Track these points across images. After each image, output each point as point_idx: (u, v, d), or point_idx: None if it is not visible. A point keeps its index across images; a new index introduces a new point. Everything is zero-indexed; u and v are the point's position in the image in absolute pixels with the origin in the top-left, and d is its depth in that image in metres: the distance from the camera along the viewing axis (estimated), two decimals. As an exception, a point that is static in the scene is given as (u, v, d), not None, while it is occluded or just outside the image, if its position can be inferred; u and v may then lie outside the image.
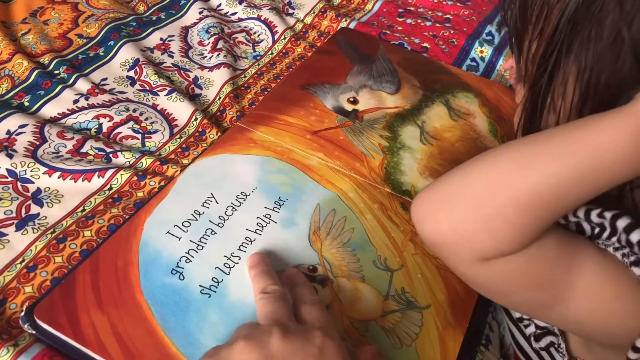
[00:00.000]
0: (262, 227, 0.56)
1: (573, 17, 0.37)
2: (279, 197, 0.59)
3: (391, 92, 0.75)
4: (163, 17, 0.84)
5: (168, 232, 0.53)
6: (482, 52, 0.84)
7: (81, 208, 0.56)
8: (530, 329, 0.52)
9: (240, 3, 0.87)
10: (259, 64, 0.79)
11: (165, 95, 0.69)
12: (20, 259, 0.50)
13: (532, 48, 0.41)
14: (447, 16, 0.91)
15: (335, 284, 0.52)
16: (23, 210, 0.54)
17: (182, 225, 0.54)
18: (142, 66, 0.73)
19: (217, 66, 0.75)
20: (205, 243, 0.53)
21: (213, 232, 0.54)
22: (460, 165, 0.40)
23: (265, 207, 0.57)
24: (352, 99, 0.73)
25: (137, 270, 0.50)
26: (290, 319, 0.43)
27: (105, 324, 0.46)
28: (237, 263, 0.52)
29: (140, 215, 0.54)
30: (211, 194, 0.57)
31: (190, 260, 0.52)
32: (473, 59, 0.84)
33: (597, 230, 0.39)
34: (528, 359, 0.54)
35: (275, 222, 0.56)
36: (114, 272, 0.50)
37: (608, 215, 0.38)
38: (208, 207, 0.56)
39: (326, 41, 0.84)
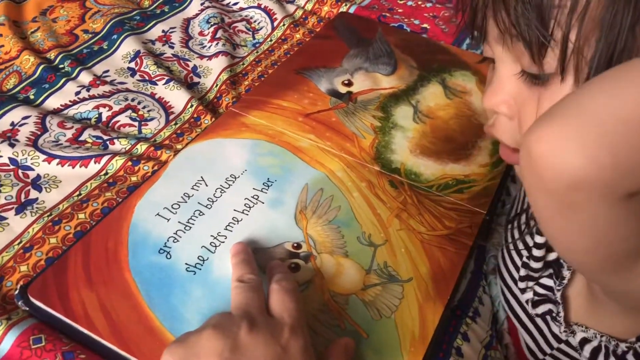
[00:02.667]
0: (250, 207, 0.57)
1: None
2: (268, 179, 0.60)
3: (387, 73, 0.76)
4: (167, 10, 0.86)
5: (157, 214, 0.55)
6: (482, 30, 0.84)
7: (77, 192, 0.58)
8: (528, 295, 0.52)
9: (241, -7, 0.89)
10: (257, 52, 0.80)
11: (164, 84, 0.72)
12: (18, 241, 0.53)
13: (572, 35, 0.34)
14: (448, -3, 0.91)
15: (318, 260, 0.53)
16: (23, 196, 0.57)
17: (172, 207, 0.56)
18: (143, 57, 0.75)
19: (216, 55, 0.77)
20: (193, 224, 0.55)
21: (201, 214, 0.56)
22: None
23: (253, 189, 0.59)
24: (346, 82, 0.74)
25: (127, 250, 0.52)
26: (260, 312, 0.44)
27: (94, 301, 0.48)
28: (223, 242, 0.54)
29: (132, 198, 0.57)
30: (201, 177, 0.59)
31: (178, 240, 0.53)
32: (474, 38, 0.83)
33: None
34: (523, 326, 0.54)
35: (263, 203, 0.58)
36: (104, 252, 0.52)
37: None
38: (197, 190, 0.58)
39: (324, 26, 0.84)
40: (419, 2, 0.89)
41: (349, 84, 0.73)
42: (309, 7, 0.89)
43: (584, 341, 0.48)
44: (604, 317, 0.47)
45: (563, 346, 0.50)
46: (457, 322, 0.53)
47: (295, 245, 0.54)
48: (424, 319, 0.50)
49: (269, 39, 0.83)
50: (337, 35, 0.82)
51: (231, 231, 0.55)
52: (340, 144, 0.65)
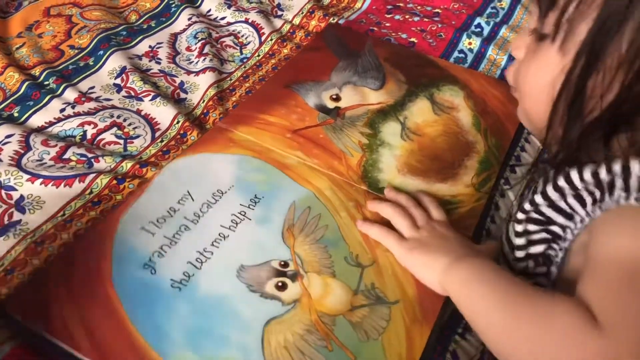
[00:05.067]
0: (237, 223, 0.57)
1: None
2: (255, 195, 0.59)
3: (375, 87, 0.75)
4: (153, 25, 0.85)
5: (142, 228, 0.55)
6: (470, 43, 0.84)
7: (61, 213, 0.57)
8: None
9: (229, 7, 0.88)
10: (245, 67, 0.80)
11: (150, 100, 0.71)
12: (0, 263, 0.52)
13: (570, 7, 0.40)
14: (437, 10, 0.91)
15: (305, 279, 0.53)
16: (6, 218, 0.56)
17: (157, 221, 0.56)
18: (129, 73, 0.74)
19: (203, 70, 0.77)
20: (179, 239, 0.55)
21: (187, 228, 0.55)
22: None
23: (240, 205, 0.58)
24: (334, 96, 0.73)
25: (110, 265, 0.52)
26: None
27: (75, 316, 0.47)
28: (209, 258, 0.53)
29: (117, 212, 0.56)
30: (187, 191, 0.59)
31: (163, 255, 0.53)
32: (461, 51, 0.83)
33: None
34: None
35: (250, 219, 0.57)
36: (87, 267, 0.51)
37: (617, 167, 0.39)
38: (184, 205, 0.58)
39: (313, 37, 0.84)
40: (407, 17, 0.89)
41: (337, 98, 0.73)
42: (296, 21, 0.89)
43: None
44: None
45: None
46: (444, 340, 0.52)
47: (282, 263, 0.54)
48: (411, 341, 0.49)
49: (256, 54, 0.82)
50: (326, 46, 0.81)
51: (217, 247, 0.54)
52: (327, 161, 0.64)
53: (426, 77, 0.77)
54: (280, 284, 0.52)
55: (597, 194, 0.41)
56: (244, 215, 0.57)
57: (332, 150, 0.66)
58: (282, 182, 0.61)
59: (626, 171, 0.39)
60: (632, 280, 0.36)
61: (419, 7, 0.92)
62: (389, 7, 0.92)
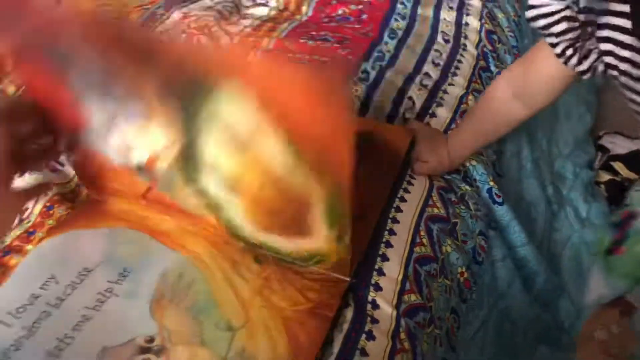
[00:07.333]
0: (102, 302, 0.54)
1: None
2: (124, 269, 0.57)
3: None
4: None
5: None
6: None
7: None
8: None
9: None
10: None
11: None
12: None
13: None
14: (324, 59, 0.92)
15: (172, 353, 0.50)
16: None
17: (16, 311, 0.53)
18: None
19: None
20: (39, 327, 0.52)
21: (48, 315, 0.53)
22: None
23: (108, 282, 0.56)
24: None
25: (-39, 367, 0.48)
26: None
27: None
28: (70, 344, 0.51)
29: (-27, 307, 0.53)
30: (52, 275, 0.56)
31: (19, 348, 0.50)
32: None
33: None
34: None
35: (117, 295, 0.55)
36: None
37: None
38: (47, 289, 0.55)
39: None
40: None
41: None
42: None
43: None
44: None
45: None
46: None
47: (148, 339, 0.51)
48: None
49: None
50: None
51: (80, 331, 0.52)
52: (195, 221, 0.61)
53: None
54: (144, 361, 0.50)
55: None
56: (110, 292, 0.55)
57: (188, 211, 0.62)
58: (155, 251, 0.59)
59: None
60: None
61: (307, 57, 0.93)
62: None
